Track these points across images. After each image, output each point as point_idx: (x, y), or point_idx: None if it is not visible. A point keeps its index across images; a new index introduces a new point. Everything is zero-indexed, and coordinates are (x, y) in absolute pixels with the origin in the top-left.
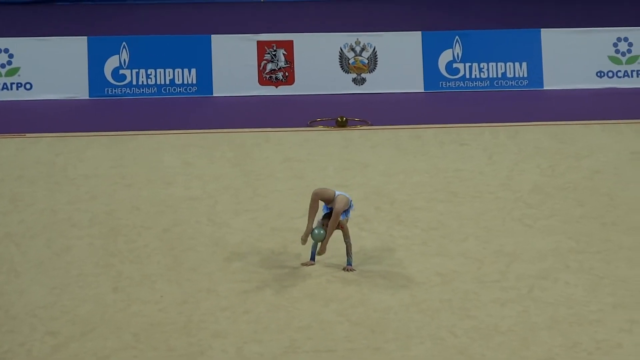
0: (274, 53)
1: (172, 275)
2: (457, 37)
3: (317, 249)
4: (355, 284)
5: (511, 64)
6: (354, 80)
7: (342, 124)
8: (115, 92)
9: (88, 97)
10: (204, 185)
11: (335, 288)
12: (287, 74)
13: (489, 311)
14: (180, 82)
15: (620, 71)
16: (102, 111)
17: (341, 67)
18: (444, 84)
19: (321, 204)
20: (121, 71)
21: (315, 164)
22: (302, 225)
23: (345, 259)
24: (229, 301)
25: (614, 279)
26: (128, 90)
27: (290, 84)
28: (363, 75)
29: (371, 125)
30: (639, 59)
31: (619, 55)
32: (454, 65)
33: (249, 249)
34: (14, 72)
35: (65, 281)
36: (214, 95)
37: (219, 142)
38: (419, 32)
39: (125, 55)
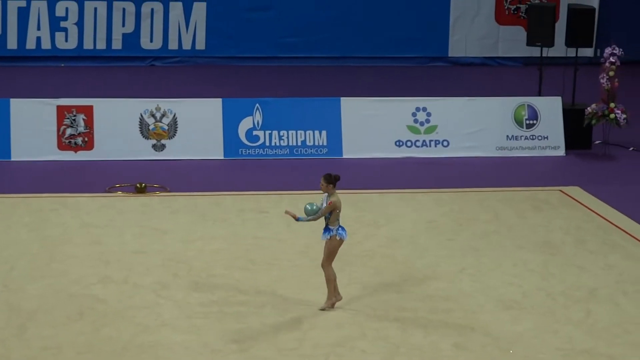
0: (73, 118)
1: None
2: (257, 104)
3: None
4: (150, 352)
5: (311, 132)
6: (154, 146)
7: (141, 190)
8: None
9: None
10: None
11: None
12: (86, 139)
13: None
14: None
15: (418, 140)
16: None
17: (141, 132)
18: (244, 151)
19: None
20: None
21: (113, 230)
22: (99, 291)
23: None
24: None
25: (409, 347)
26: None
27: (90, 149)
28: (163, 141)
29: (170, 191)
30: (437, 128)
31: (417, 125)
32: (254, 132)
33: (45, 315)
34: None
35: None
36: (12, 159)
37: (16, 207)
38: (220, 99)
39: None
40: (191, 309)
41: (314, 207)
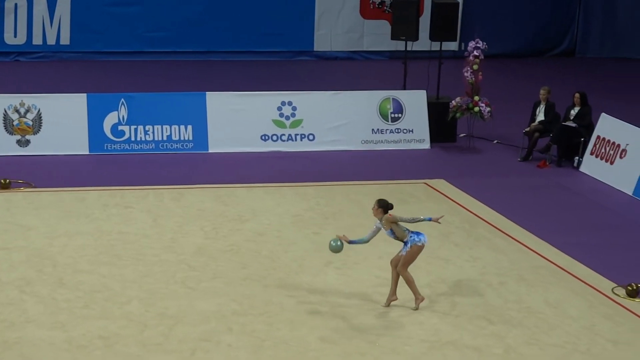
0: None
1: None
2: (122, 99)
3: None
4: (15, 348)
5: (177, 126)
6: (18, 142)
7: (5, 186)
8: None
9: None
10: None
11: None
12: None
13: None
14: None
15: (284, 135)
16: None
17: (5, 128)
18: (109, 146)
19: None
20: None
21: None
22: None
23: None
24: None
25: (275, 341)
26: None
27: None
28: (27, 137)
29: (35, 187)
30: (302, 122)
31: (283, 119)
32: (120, 127)
33: None
34: None
35: None
36: None
37: None
38: (84, 95)
39: None
40: (56, 305)
41: (338, 243)
